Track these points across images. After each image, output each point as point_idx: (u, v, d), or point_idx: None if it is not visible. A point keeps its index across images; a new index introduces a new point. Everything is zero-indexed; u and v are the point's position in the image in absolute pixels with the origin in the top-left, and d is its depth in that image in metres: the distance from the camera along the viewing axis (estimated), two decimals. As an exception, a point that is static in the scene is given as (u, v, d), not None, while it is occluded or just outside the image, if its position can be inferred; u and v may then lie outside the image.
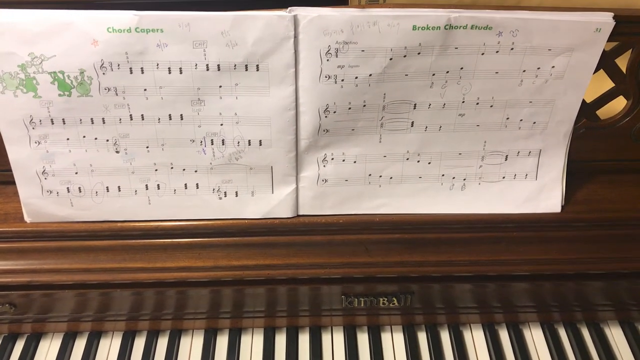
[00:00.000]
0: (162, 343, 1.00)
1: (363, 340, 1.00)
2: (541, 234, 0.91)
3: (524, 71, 0.80)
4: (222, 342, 1.00)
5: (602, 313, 1.01)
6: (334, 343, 1.00)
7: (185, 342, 1.00)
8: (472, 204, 0.89)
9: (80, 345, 0.99)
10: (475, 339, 1.00)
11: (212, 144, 0.83)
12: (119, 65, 0.75)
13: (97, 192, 0.86)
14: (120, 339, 1.00)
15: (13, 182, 0.85)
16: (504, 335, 1.01)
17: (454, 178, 0.88)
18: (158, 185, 0.86)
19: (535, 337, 1.00)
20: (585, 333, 1.01)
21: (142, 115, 0.80)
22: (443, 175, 0.88)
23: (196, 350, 0.98)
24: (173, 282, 0.91)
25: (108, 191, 0.86)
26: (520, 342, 0.99)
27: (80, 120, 0.80)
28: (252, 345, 1.00)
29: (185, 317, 0.99)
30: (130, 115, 0.80)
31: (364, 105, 0.80)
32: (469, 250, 0.91)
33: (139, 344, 0.99)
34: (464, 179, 0.88)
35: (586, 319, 1.02)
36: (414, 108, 0.81)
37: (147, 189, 0.86)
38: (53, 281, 0.90)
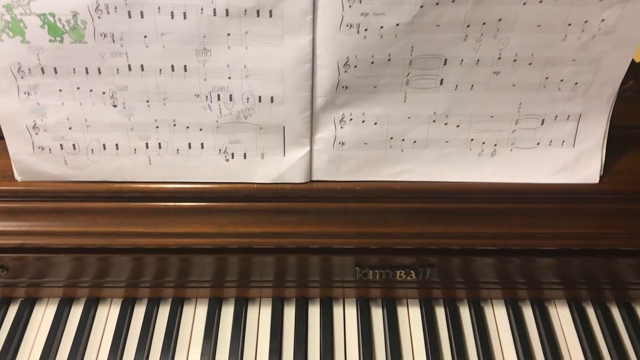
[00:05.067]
0: (164, 312, 0.94)
1: (377, 314, 0.94)
2: (575, 206, 0.84)
3: (570, 25, 0.71)
4: (227, 312, 0.94)
5: (634, 292, 0.95)
6: (345, 316, 0.94)
7: (188, 311, 0.94)
8: (502, 172, 0.82)
9: (76, 311, 0.94)
10: (497, 316, 0.94)
11: (219, 100, 0.75)
12: (116, 8, 0.68)
13: (92, 150, 0.79)
14: (119, 306, 0.94)
15: (3, 137, 0.79)
16: (527, 313, 0.94)
17: (483, 143, 0.80)
18: (159, 143, 0.79)
19: (561, 315, 0.94)
20: (615, 312, 0.94)
21: (141, 65, 0.72)
22: (472, 139, 0.80)
23: (200, 320, 0.93)
24: (175, 249, 0.85)
25: (105, 149, 0.79)
26: (545, 320, 0.93)
27: (74, 69, 0.73)
28: (259, 315, 0.94)
29: (189, 285, 0.94)
30: (129, 65, 0.72)
31: (389, 60, 0.72)
32: (495, 223, 0.84)
33: (139, 312, 0.94)
34: (495, 145, 0.81)
35: (616, 298, 0.95)
36: (445, 64, 0.73)
37: (147, 147, 0.79)
38: (47, 244, 0.84)
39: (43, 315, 0.94)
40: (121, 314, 0.93)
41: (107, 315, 0.94)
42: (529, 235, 0.84)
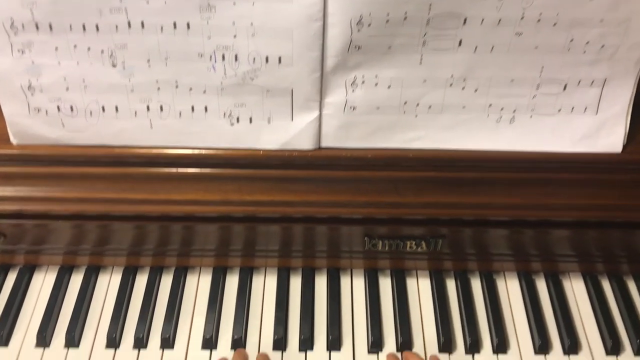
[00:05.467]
0: (167, 281, 0.92)
1: (385, 285, 0.92)
2: (595, 176, 0.81)
3: (599, -18, 0.66)
4: (232, 282, 0.92)
5: (652, 266, 0.92)
6: (353, 287, 0.92)
7: (191, 280, 0.92)
8: (520, 140, 0.78)
9: (77, 279, 0.91)
10: (510, 289, 0.91)
11: (224, 60, 0.71)
12: (113, -41, 0.63)
13: (91, 112, 0.75)
14: (121, 275, 0.92)
15: (-3, 99, 0.75)
16: (541, 286, 0.92)
17: (502, 109, 0.76)
18: (161, 106, 0.75)
19: (575, 289, 0.91)
20: (632, 287, 0.91)
21: (142, 22, 0.68)
22: (490, 105, 0.76)
23: (203, 290, 0.91)
24: (178, 217, 0.82)
25: (104, 111, 0.75)
26: (560, 294, 0.90)
27: (70, 26, 0.69)
28: (264, 285, 0.92)
29: (192, 254, 0.91)
30: (129, 22, 0.68)
31: (405, 18, 0.68)
32: (511, 193, 0.81)
33: (141, 280, 0.91)
34: (514, 111, 0.77)
35: (634, 272, 0.93)
36: (464, 23, 0.69)
37: (148, 110, 0.75)
38: (45, 211, 0.81)
39: (42, 283, 0.91)
40: (123, 282, 0.91)
41: (109, 284, 0.91)
42: (545, 206, 0.81)
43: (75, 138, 0.77)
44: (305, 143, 0.77)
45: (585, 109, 0.77)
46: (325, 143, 0.78)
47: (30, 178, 0.80)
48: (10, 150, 0.78)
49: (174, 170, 0.79)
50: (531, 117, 0.77)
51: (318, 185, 0.80)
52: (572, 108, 0.77)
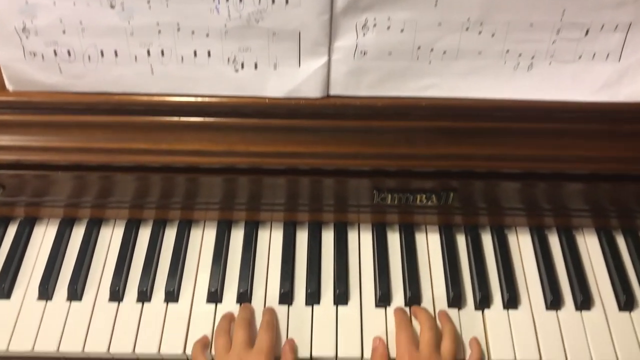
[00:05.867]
0: (170, 234, 0.90)
1: (394, 240, 0.90)
2: (614, 127, 0.78)
3: None
4: (237, 236, 0.90)
5: (669, 221, 0.89)
6: (360, 241, 0.90)
7: (195, 234, 0.90)
8: (538, 88, 0.75)
9: (78, 233, 0.90)
10: (521, 244, 0.89)
11: (227, 1, 0.67)
12: None
13: (89, 57, 0.72)
14: (123, 228, 0.90)
15: (-9, 43, 0.72)
16: (553, 241, 0.90)
17: (520, 55, 0.73)
18: (162, 51, 0.71)
19: (589, 244, 0.89)
20: (648, 242, 0.89)
21: (140, -42, 0.64)
22: (508, 51, 0.72)
23: (208, 243, 0.89)
24: (182, 168, 0.80)
25: (103, 56, 0.72)
26: (572, 249, 0.88)
27: (65, -38, 0.64)
28: (270, 239, 0.90)
29: (196, 207, 0.89)
30: (126, -42, 0.64)
31: (420, -45, 0.63)
32: (526, 144, 0.78)
33: (144, 234, 0.90)
34: (532, 57, 0.73)
35: (649, 227, 0.90)
36: (483, -39, 0.65)
37: (149, 55, 0.72)
38: (44, 161, 0.79)
39: (44, 236, 0.89)
40: (125, 235, 0.89)
41: (111, 237, 0.90)
42: (560, 158, 0.79)
43: (73, 85, 0.74)
44: (312, 91, 0.74)
45: (608, 55, 0.73)
46: (333, 91, 0.75)
47: (27, 127, 0.77)
48: (6, 97, 0.75)
49: (176, 119, 0.76)
50: (550, 64, 0.73)
51: (326, 135, 0.77)
52: (594, 54, 0.73)
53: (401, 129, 0.77)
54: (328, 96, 0.75)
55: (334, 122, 0.77)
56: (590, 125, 0.77)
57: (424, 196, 0.84)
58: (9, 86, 0.75)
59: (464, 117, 0.76)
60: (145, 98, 0.75)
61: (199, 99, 0.75)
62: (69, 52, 0.71)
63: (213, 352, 0.78)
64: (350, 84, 0.74)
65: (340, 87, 0.74)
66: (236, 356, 0.74)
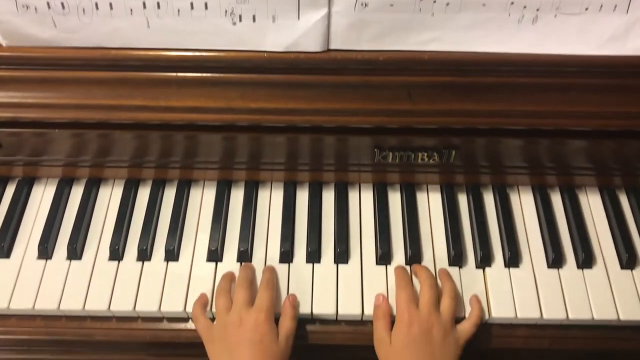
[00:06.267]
0: (169, 194, 0.89)
1: (395, 199, 0.89)
2: (620, 81, 0.76)
3: None
4: (237, 195, 0.89)
5: (673, 179, 0.88)
6: (361, 201, 0.89)
7: (195, 193, 0.90)
8: (543, 41, 0.73)
9: (77, 192, 0.89)
10: (523, 202, 0.89)
11: (225, -50, 0.65)
12: None
13: (84, 10, 0.70)
14: (122, 187, 0.89)
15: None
16: (556, 199, 0.89)
17: (525, 7, 0.71)
18: (158, 3, 0.70)
19: (592, 203, 0.89)
20: (651, 201, 0.88)
21: None
22: (512, 3, 0.70)
23: (207, 203, 0.88)
24: (180, 125, 0.79)
25: (97, 9, 0.70)
26: (575, 207, 0.88)
27: None
28: (270, 199, 0.89)
29: (196, 167, 0.88)
30: None
31: None
32: (530, 100, 0.77)
33: (143, 193, 0.89)
34: (537, 10, 0.71)
35: (653, 186, 0.89)
36: None
37: (144, 7, 0.70)
38: (40, 118, 0.78)
39: (42, 196, 0.89)
40: (124, 195, 0.88)
41: (110, 197, 0.89)
42: (565, 114, 0.77)
43: (68, 39, 0.73)
44: (312, 44, 0.72)
45: (615, 7, 0.71)
46: (334, 45, 0.73)
47: (23, 83, 0.76)
48: (0, 52, 0.74)
49: (173, 74, 0.75)
50: (555, 16, 0.72)
51: (326, 91, 0.76)
52: (601, 6, 0.71)
53: (403, 84, 0.75)
54: (328, 50, 0.73)
55: (334, 77, 0.75)
56: (595, 80, 0.76)
57: (425, 154, 0.83)
58: (3, 41, 0.73)
59: (467, 71, 0.74)
60: (141, 52, 0.73)
61: (197, 54, 0.73)
62: (62, 5, 0.70)
63: (214, 310, 0.78)
64: (351, 37, 0.72)
65: (340, 41, 0.73)
66: (237, 315, 0.74)
